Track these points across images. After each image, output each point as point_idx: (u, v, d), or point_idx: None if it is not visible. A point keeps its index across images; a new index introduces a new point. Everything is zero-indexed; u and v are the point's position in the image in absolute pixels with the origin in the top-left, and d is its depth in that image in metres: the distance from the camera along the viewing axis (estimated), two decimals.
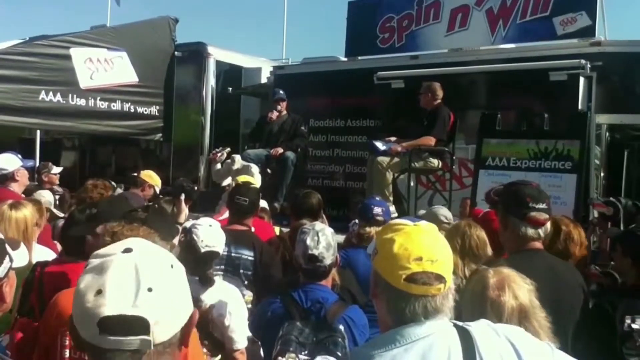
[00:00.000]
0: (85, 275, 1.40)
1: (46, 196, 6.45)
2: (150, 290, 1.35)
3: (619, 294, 3.61)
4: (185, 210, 5.53)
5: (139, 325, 1.32)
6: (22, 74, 9.35)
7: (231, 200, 5.07)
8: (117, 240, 2.75)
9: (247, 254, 4.66)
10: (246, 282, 4.61)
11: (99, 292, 1.34)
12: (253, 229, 5.08)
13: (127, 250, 1.42)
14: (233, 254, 4.62)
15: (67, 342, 2.71)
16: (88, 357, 1.40)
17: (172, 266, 1.46)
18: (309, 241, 3.34)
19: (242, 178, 6.41)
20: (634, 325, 3.33)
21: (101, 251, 1.45)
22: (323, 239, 3.37)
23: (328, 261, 3.39)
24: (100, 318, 1.31)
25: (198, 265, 3.54)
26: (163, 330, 1.36)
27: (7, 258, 2.10)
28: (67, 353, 2.70)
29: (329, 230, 3.50)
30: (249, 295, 4.51)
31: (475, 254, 4.13)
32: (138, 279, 1.36)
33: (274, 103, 9.06)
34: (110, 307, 1.32)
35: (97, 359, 1.36)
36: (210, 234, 3.77)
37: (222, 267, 4.54)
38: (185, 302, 1.45)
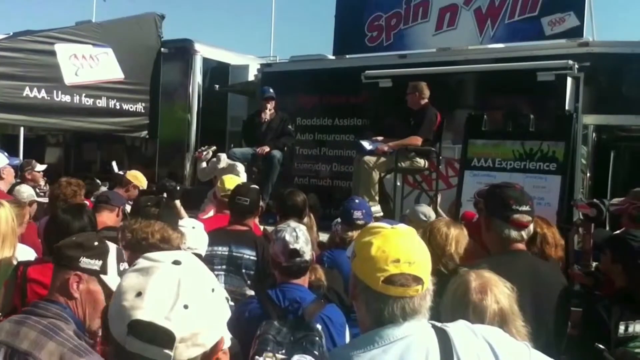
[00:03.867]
0: (131, 273, 1.47)
1: (26, 191, 6.43)
2: (186, 307, 1.40)
3: (613, 299, 3.62)
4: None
5: (165, 337, 1.36)
6: (6, 70, 9.30)
7: (232, 200, 5.06)
8: (137, 236, 3.08)
9: (249, 254, 4.68)
10: (249, 282, 4.61)
11: (139, 295, 1.40)
12: None
13: (176, 263, 1.46)
14: (235, 254, 4.65)
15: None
16: (110, 352, 1.48)
17: (213, 290, 1.49)
18: (288, 237, 3.33)
19: (228, 178, 6.37)
20: (629, 330, 3.37)
21: (152, 255, 1.51)
22: (301, 234, 3.38)
23: (307, 256, 3.39)
24: (132, 320, 1.37)
25: None
26: (186, 349, 1.39)
27: (98, 261, 2.43)
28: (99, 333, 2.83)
29: (304, 227, 3.52)
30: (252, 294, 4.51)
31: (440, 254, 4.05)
32: (177, 293, 1.40)
33: (265, 102, 9.00)
34: (144, 312, 1.37)
35: (117, 357, 1.41)
36: (193, 236, 3.75)
37: (224, 266, 4.57)
38: (216, 328, 1.48)
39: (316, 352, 2.88)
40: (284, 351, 2.90)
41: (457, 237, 3.83)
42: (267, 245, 4.84)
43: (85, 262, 2.41)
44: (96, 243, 2.47)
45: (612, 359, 3.20)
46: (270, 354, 2.85)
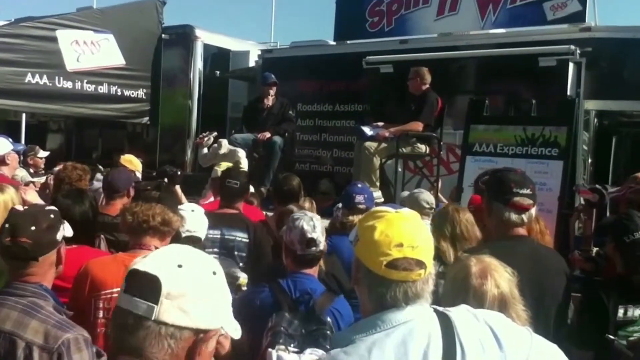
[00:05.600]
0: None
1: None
2: (180, 266, 1.45)
3: (612, 283, 3.64)
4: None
5: (152, 287, 1.40)
6: (8, 56, 9.29)
7: (222, 183, 5.08)
8: (138, 219, 3.14)
9: (241, 236, 4.74)
10: (241, 264, 4.66)
11: (146, 255, 1.50)
12: None
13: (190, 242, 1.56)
14: (227, 237, 4.70)
15: (101, 305, 3.08)
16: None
17: (214, 273, 1.51)
18: (305, 226, 3.32)
19: (225, 164, 6.40)
20: (629, 314, 3.38)
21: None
22: (318, 224, 3.37)
23: (321, 246, 3.39)
24: (130, 270, 1.45)
25: None
26: (171, 309, 1.40)
27: (62, 226, 2.62)
28: (100, 314, 3.09)
29: (319, 217, 3.51)
30: (244, 277, 4.55)
31: (466, 239, 4.12)
32: (177, 256, 1.48)
33: (267, 87, 8.96)
34: (142, 264, 1.45)
35: (114, 320, 1.46)
36: (192, 219, 3.75)
37: (217, 249, 4.62)
38: (208, 309, 1.47)
39: (327, 346, 2.89)
40: (295, 344, 2.92)
41: (474, 221, 3.89)
42: (258, 227, 4.90)
43: (59, 235, 2.60)
44: (52, 216, 2.61)
45: (624, 349, 3.21)
46: (283, 347, 2.86)
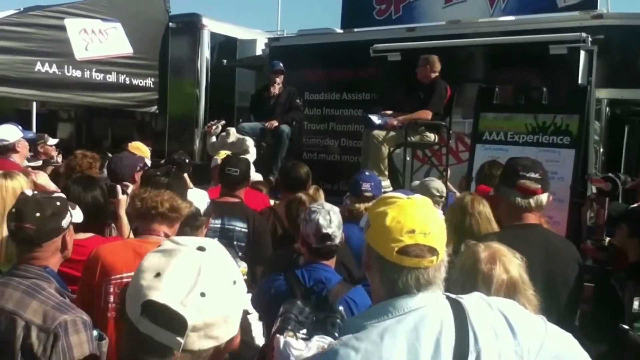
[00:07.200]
0: (153, 254, 1.45)
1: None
2: (202, 295, 1.35)
3: (626, 274, 3.60)
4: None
5: (177, 323, 1.32)
6: (17, 45, 9.29)
7: (222, 171, 5.06)
8: (146, 205, 3.12)
9: (241, 226, 4.73)
10: (240, 254, 4.65)
11: (157, 275, 1.37)
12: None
13: (201, 249, 1.44)
14: (226, 226, 4.71)
15: (111, 290, 3.06)
16: (124, 329, 1.43)
17: (234, 282, 1.45)
18: (321, 220, 3.31)
19: (224, 154, 6.38)
20: None
21: (178, 239, 1.49)
22: (335, 218, 3.36)
23: (338, 240, 3.39)
24: (146, 300, 1.34)
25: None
26: (197, 340, 1.35)
27: (69, 213, 2.68)
28: (110, 299, 3.06)
29: (337, 209, 3.49)
30: (244, 267, 4.55)
31: (474, 234, 4.00)
32: (196, 280, 1.37)
33: (274, 75, 8.96)
34: (160, 293, 1.34)
35: (130, 337, 1.39)
36: (191, 193, 3.72)
37: (217, 239, 4.58)
38: (232, 323, 1.43)
39: (336, 334, 2.88)
40: (305, 331, 2.91)
41: (491, 216, 3.81)
42: (258, 217, 4.88)
43: (65, 222, 2.65)
44: (58, 204, 2.67)
45: (638, 339, 3.18)
46: (291, 333, 2.86)
